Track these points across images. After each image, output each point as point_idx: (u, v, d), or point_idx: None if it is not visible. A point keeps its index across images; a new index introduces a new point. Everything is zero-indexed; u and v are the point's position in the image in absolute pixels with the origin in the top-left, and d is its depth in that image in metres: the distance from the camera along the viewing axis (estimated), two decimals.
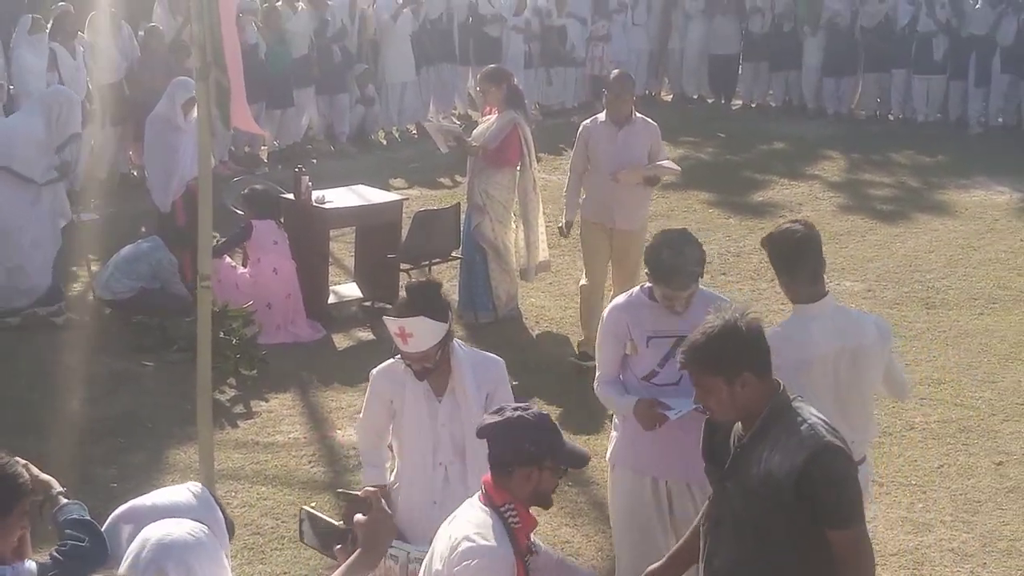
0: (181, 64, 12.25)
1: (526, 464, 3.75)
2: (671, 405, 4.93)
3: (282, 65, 14.30)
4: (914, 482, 7.08)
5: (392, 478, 4.99)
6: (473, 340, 7.90)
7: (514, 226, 9.68)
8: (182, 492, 3.51)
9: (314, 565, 5.94)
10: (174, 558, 3.20)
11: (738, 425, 3.88)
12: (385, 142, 16.06)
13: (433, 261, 9.67)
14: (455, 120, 15.93)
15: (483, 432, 3.84)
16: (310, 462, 7.29)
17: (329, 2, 15.14)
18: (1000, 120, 17.22)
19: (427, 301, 4.67)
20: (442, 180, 13.83)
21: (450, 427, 4.84)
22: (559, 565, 4.15)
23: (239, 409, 7.99)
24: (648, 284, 5.12)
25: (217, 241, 8.77)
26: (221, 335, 8.17)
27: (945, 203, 13.42)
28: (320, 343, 9.19)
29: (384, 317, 4.75)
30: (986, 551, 6.32)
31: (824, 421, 3.79)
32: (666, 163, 8.70)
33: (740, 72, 19.06)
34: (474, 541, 3.66)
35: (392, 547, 4.65)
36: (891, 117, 17.93)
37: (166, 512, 3.38)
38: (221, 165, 13.25)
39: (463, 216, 9.72)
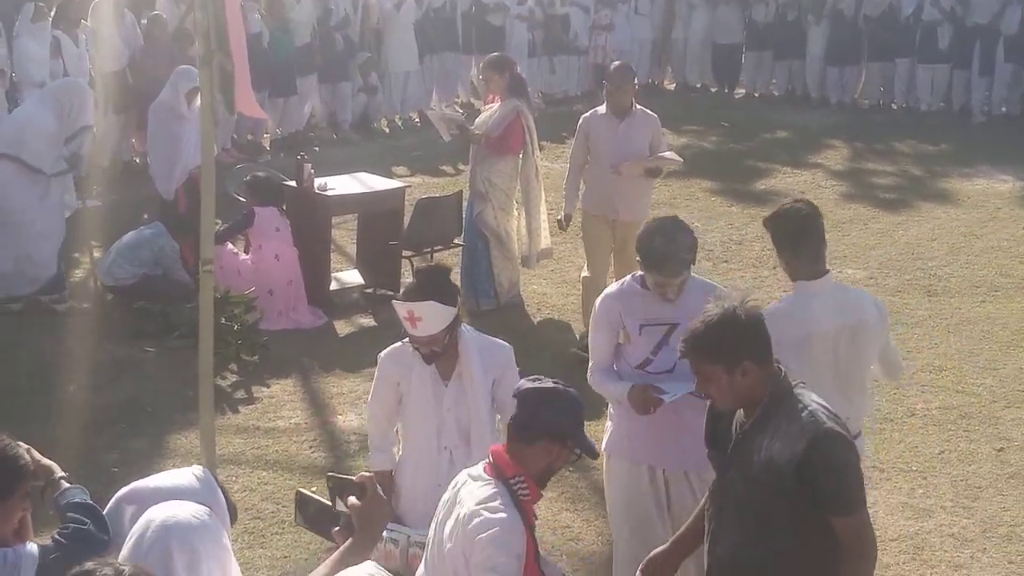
0: (184, 52, 12.25)
1: (554, 437, 3.77)
2: (665, 389, 4.92)
3: (285, 53, 14.30)
4: (915, 468, 7.09)
5: (397, 461, 5.01)
6: (475, 327, 7.86)
7: (516, 214, 9.68)
8: (185, 475, 3.52)
9: (314, 549, 5.96)
10: (178, 539, 3.20)
11: (740, 412, 3.89)
12: (388, 130, 16.07)
13: (435, 248, 9.67)
14: (458, 108, 15.91)
15: (522, 395, 3.83)
16: (311, 447, 7.31)
17: None
18: (1004, 109, 17.21)
19: (436, 286, 4.71)
20: (444, 168, 13.85)
21: (456, 411, 4.87)
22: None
23: (240, 395, 8.01)
24: (640, 272, 5.10)
25: (220, 228, 8.79)
26: (223, 321, 8.19)
27: (948, 191, 13.41)
28: (321, 329, 9.21)
29: (393, 301, 4.80)
30: (986, 536, 6.33)
31: (825, 407, 3.79)
32: (668, 154, 8.67)
33: (743, 61, 19.05)
34: (484, 514, 3.66)
35: (392, 531, 4.69)
36: (894, 106, 17.93)
37: (169, 494, 3.39)
38: (224, 153, 13.27)
39: (465, 204, 9.73)
